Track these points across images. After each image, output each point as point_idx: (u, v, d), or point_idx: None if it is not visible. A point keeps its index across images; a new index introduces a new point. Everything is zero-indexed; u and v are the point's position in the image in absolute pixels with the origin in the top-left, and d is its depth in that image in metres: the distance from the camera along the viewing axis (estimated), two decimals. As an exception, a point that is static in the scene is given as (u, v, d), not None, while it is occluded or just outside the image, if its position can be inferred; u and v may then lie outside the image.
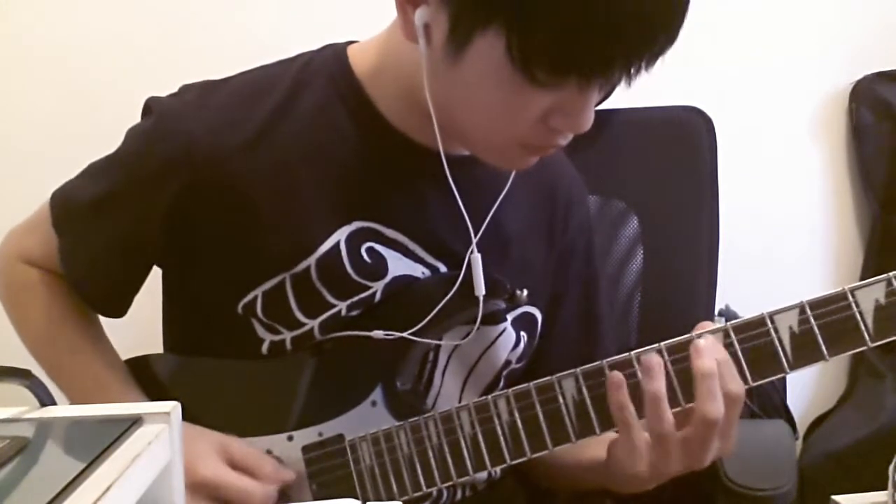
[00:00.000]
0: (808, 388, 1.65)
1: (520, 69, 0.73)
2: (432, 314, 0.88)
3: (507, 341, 0.96)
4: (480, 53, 0.75)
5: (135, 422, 0.53)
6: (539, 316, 1.00)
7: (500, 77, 0.75)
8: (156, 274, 0.98)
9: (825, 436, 1.56)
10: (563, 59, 0.73)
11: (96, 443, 0.50)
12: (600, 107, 0.81)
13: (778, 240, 1.58)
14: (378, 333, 0.88)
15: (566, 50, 0.72)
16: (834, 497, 0.73)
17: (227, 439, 0.88)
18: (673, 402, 0.82)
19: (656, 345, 0.84)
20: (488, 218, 0.91)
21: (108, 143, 0.94)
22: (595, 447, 0.90)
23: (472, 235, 0.89)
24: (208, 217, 0.89)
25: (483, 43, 0.74)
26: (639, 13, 0.71)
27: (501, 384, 0.98)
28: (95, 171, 0.96)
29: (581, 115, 0.78)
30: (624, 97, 0.96)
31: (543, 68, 0.73)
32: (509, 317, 0.96)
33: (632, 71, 0.74)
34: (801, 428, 1.57)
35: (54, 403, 0.56)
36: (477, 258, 0.89)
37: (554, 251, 1.01)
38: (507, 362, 0.98)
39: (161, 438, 0.53)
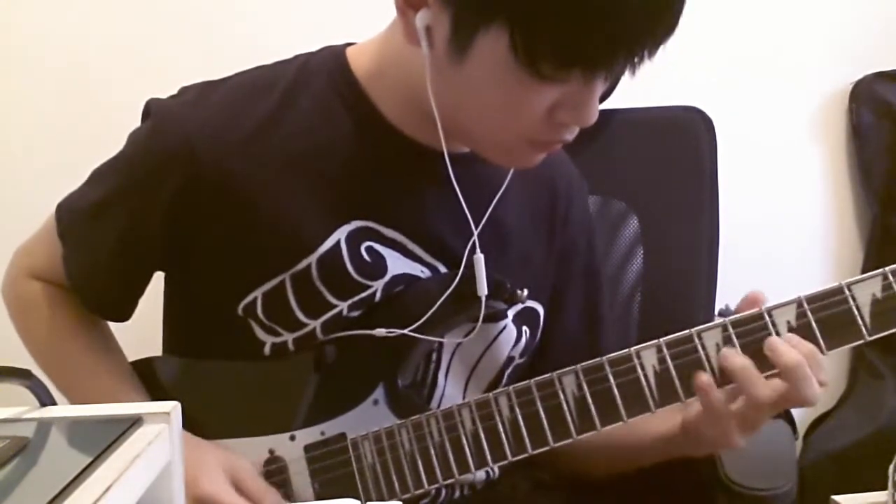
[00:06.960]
0: (808, 388, 1.64)
1: (524, 65, 0.74)
2: (431, 312, 0.88)
3: (509, 338, 0.96)
4: (484, 52, 0.75)
5: (135, 422, 0.53)
6: (541, 310, 1.00)
7: (504, 74, 0.75)
8: (156, 276, 0.97)
9: (825, 436, 1.56)
10: (568, 52, 0.73)
11: (96, 443, 0.50)
12: (600, 107, 0.81)
13: (778, 240, 1.58)
14: (380, 331, 0.89)
15: (570, 43, 0.72)
16: (834, 497, 0.73)
17: (238, 462, 0.87)
18: (674, 397, 0.83)
19: (656, 340, 0.84)
20: (487, 214, 0.91)
21: (111, 146, 0.94)
22: (658, 424, 0.91)
23: (474, 234, 0.89)
24: (207, 216, 0.89)
25: (486, 42, 0.74)
26: (641, 2, 0.71)
27: (504, 381, 0.98)
28: (97, 176, 0.96)
29: (587, 108, 0.79)
30: (624, 97, 0.96)
31: (548, 62, 0.74)
32: (510, 313, 0.96)
33: (635, 60, 0.75)
34: (801, 428, 1.57)
35: (54, 403, 0.56)
36: (480, 258, 0.89)
37: (555, 245, 1.01)
38: (510, 359, 0.98)
39: (161, 438, 0.52)
